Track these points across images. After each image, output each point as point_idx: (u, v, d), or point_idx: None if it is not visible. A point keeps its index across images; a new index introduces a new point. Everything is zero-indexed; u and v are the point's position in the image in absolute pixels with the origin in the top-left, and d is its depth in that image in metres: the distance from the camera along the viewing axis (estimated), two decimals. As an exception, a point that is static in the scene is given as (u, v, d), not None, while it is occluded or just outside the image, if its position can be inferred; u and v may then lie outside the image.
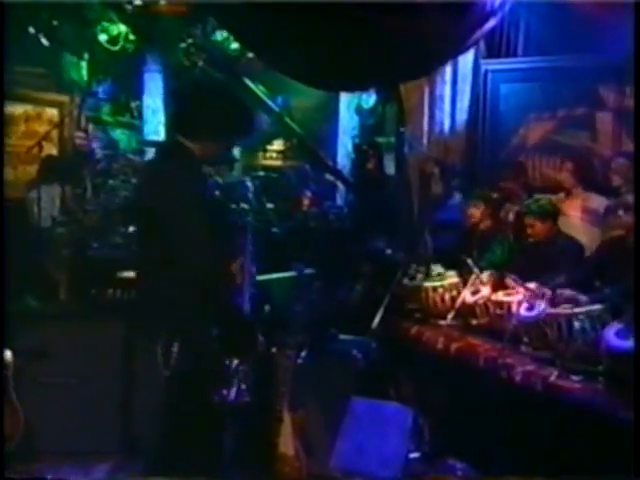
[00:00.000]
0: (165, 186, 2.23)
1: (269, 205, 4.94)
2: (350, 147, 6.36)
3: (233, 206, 4.31)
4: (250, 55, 5.37)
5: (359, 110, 6.49)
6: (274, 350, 2.86)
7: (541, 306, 2.94)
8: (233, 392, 2.23)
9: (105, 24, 5.39)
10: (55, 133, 5.27)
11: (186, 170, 2.28)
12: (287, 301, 3.18)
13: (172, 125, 2.47)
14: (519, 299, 3.13)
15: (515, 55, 4.95)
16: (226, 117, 2.32)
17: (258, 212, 4.73)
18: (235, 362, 2.26)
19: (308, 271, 3.40)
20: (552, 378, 2.62)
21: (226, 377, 2.26)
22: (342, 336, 3.40)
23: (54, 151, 5.23)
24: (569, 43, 4.39)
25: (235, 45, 5.66)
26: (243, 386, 2.24)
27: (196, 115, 2.31)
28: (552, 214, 3.62)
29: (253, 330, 2.36)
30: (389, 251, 4.06)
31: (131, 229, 3.77)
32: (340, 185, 6.19)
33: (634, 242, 3.18)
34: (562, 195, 4.12)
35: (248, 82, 5.39)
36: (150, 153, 6.10)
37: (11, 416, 2.80)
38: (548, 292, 3.12)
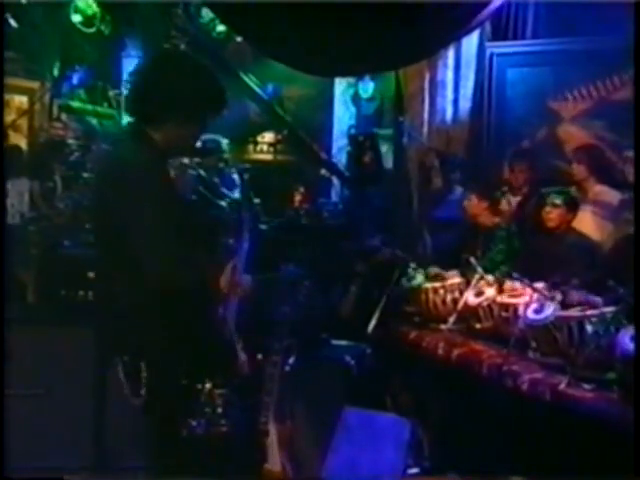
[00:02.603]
0: (124, 182, 2.06)
1: (256, 200, 4.91)
2: (345, 139, 6.33)
3: (222, 202, 4.30)
4: (238, 39, 5.34)
5: (355, 99, 6.47)
6: (259, 356, 2.83)
7: (550, 308, 2.92)
8: (203, 422, 2.14)
9: (79, 4, 5.34)
10: (24, 122, 5.21)
11: (149, 162, 2.11)
12: (274, 303, 3.14)
13: (128, 110, 2.30)
14: (526, 301, 3.10)
15: (523, 37, 4.93)
16: (192, 95, 2.14)
17: (245, 207, 4.72)
18: (208, 386, 2.14)
19: (298, 271, 3.36)
20: (562, 386, 2.59)
21: (196, 405, 2.14)
22: (334, 341, 3.38)
23: (23, 142, 5.18)
24: (581, 24, 4.37)
25: (221, 28, 5.61)
26: (219, 410, 2.15)
27: (155, 95, 2.13)
28: (574, 205, 3.64)
29: (233, 350, 2.20)
30: (386, 249, 4.04)
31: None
32: (335, 179, 6.17)
33: (634, 242, 3.19)
34: (573, 188, 4.10)
35: (236, 69, 5.35)
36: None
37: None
38: (558, 293, 3.10)
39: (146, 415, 2.05)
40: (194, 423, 2.13)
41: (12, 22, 4.99)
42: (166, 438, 2.11)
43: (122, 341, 2.07)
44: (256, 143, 7.62)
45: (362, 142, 5.17)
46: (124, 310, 2.06)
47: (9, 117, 5.02)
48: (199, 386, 2.15)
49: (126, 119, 2.33)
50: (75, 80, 5.54)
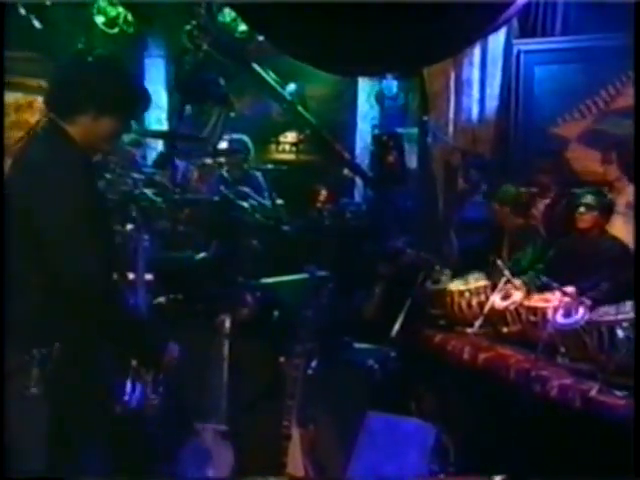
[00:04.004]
0: (36, 179, 2.01)
1: (279, 201, 4.92)
2: (369, 138, 6.31)
3: (244, 203, 4.31)
4: (260, 38, 5.35)
5: (379, 98, 6.44)
6: (282, 359, 2.83)
7: (580, 312, 2.88)
8: (135, 396, 2.17)
9: (102, 5, 5.40)
10: (48, 123, 5.29)
11: (65, 155, 2.05)
12: (297, 306, 3.14)
13: (45, 103, 2.24)
14: (555, 305, 3.07)
15: (552, 34, 4.86)
16: (106, 91, 2.10)
17: (268, 208, 4.74)
18: (133, 363, 2.16)
19: (321, 273, 3.35)
20: (592, 393, 2.56)
21: (123, 383, 2.17)
22: (357, 344, 3.36)
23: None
24: (611, 21, 4.29)
25: (243, 27, 5.63)
26: (147, 386, 2.18)
27: (70, 88, 2.09)
28: (609, 208, 3.58)
29: (145, 331, 2.19)
30: (410, 251, 4.01)
31: (129, 227, 3.74)
32: (358, 180, 6.15)
33: (634, 242, 3.12)
34: (605, 189, 4.03)
35: (257, 68, 5.36)
36: (151, 145, 6.14)
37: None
38: (588, 297, 3.05)
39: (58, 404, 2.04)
40: (126, 398, 2.14)
41: (36, 23, 5.07)
42: (100, 419, 2.13)
43: (37, 334, 2.03)
44: (278, 143, 7.66)
45: (386, 142, 5.15)
46: (38, 305, 2.03)
47: (33, 118, 5.09)
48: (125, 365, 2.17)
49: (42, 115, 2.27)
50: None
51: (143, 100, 2.27)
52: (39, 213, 1.99)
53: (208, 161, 5.08)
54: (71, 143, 2.09)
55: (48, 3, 5.03)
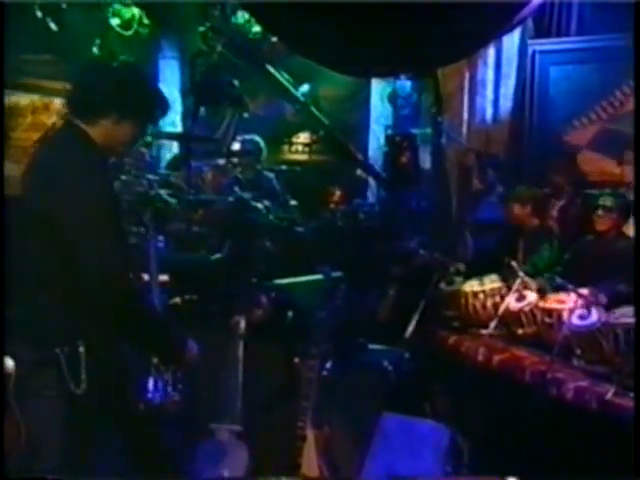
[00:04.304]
0: (57, 180, 2.04)
1: (293, 202, 4.93)
2: (382, 139, 6.30)
3: (258, 204, 4.33)
4: (273, 39, 5.37)
5: (393, 98, 6.43)
6: (296, 360, 2.84)
7: (596, 314, 2.87)
8: (158, 394, 2.20)
9: (117, 7, 5.44)
10: (63, 125, 5.34)
11: (85, 156, 2.10)
12: (311, 307, 3.15)
13: (66, 106, 2.27)
14: (571, 306, 3.05)
15: (567, 34, 4.84)
16: (127, 96, 2.15)
17: (281, 210, 4.75)
18: (154, 362, 2.21)
19: (335, 274, 3.36)
20: (609, 395, 2.54)
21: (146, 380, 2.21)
22: (372, 346, 3.36)
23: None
24: (626, 20, 4.27)
25: (257, 28, 5.65)
26: (169, 384, 2.20)
27: (93, 92, 2.13)
28: (627, 210, 3.56)
29: (166, 329, 2.23)
30: (424, 252, 4.00)
31: (141, 230, 3.76)
32: (371, 180, 6.15)
33: (634, 242, 3.09)
34: (622, 190, 4.01)
35: (271, 69, 5.38)
36: (166, 146, 6.18)
37: (12, 429, 2.81)
38: (604, 299, 3.03)
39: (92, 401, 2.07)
40: (149, 395, 2.16)
41: (52, 25, 5.12)
42: (123, 415, 2.15)
43: (59, 333, 2.05)
44: (292, 144, 7.67)
45: (399, 142, 5.14)
46: (59, 304, 2.06)
47: (49, 120, 5.13)
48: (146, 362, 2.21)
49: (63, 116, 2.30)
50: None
51: (163, 106, 2.30)
52: (62, 213, 2.01)
53: (222, 162, 5.10)
54: (92, 145, 2.12)
55: (64, 6, 5.08)
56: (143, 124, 2.26)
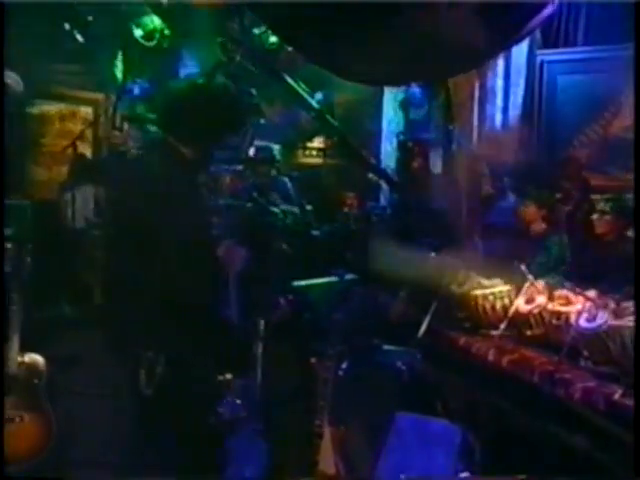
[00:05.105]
0: (155, 196, 2.11)
1: (308, 207, 4.93)
2: (395, 144, 6.29)
3: (275, 209, 4.33)
4: (289, 49, 5.37)
5: (405, 105, 6.42)
6: (313, 361, 2.83)
7: (603, 317, 2.85)
8: (228, 409, 2.20)
9: (141, 19, 5.47)
10: (89, 132, 5.38)
11: (180, 175, 2.19)
12: (327, 308, 3.15)
13: (161, 125, 2.33)
14: (578, 309, 3.03)
15: (574, 44, 4.81)
16: (220, 122, 2.26)
17: (297, 214, 4.75)
18: (228, 377, 2.20)
19: (350, 276, 3.36)
20: (617, 396, 2.52)
21: (218, 394, 2.22)
22: (385, 346, 3.35)
23: (88, 151, 5.35)
24: (633, 30, 4.23)
25: (274, 39, 5.67)
26: (238, 401, 2.20)
27: (191, 119, 2.22)
28: (626, 213, 3.55)
29: (244, 342, 2.27)
30: (435, 255, 3.99)
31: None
32: (384, 185, 6.14)
33: (634, 242, 3.06)
34: (629, 196, 3.98)
35: (287, 78, 5.39)
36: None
37: (43, 426, 2.84)
38: (611, 302, 3.01)
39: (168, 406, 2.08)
40: (220, 410, 2.17)
41: (79, 37, 5.16)
42: (194, 426, 2.16)
43: (147, 338, 2.09)
44: (306, 149, 7.67)
45: (411, 148, 5.15)
46: (149, 311, 2.09)
47: (76, 127, 5.19)
48: (220, 377, 2.22)
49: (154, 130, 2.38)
50: (136, 91, 5.68)
51: (240, 128, 2.40)
52: (158, 226, 2.06)
53: (239, 168, 5.11)
54: (183, 161, 2.21)
55: (90, 18, 5.13)
56: (223, 144, 2.36)
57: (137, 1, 5.40)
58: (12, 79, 2.96)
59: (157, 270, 2.06)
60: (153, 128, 6.00)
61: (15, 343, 2.85)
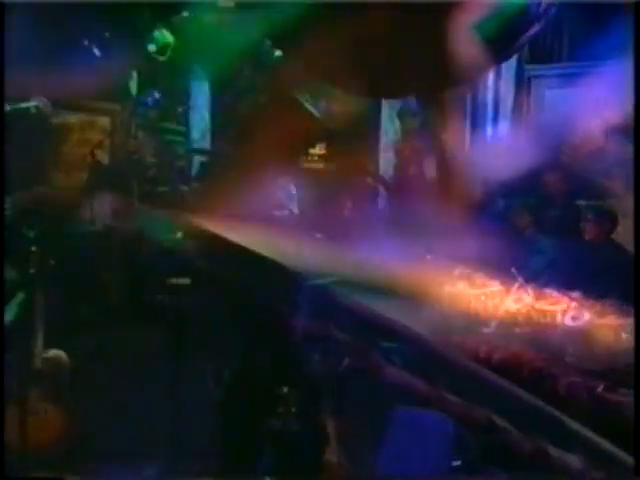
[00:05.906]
0: None
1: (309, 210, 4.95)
2: (392, 151, 6.31)
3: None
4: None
5: (401, 114, 6.44)
6: (317, 357, 2.85)
7: (587, 316, 2.88)
8: (279, 421, 2.20)
9: (154, 34, 5.48)
10: (107, 141, 5.40)
11: None
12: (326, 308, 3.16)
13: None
14: (564, 308, 3.06)
15: (560, 60, 4.83)
16: None
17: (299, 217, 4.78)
18: (285, 390, 2.21)
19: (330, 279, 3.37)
20: (599, 390, 2.55)
21: (274, 406, 2.20)
22: (384, 344, 3.36)
23: (106, 159, 5.36)
24: (617, 47, 4.25)
25: (278, 53, 5.67)
26: (293, 409, 2.21)
27: None
28: (610, 218, 3.58)
29: (305, 357, 2.28)
30: (430, 257, 4.01)
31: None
32: (381, 190, 6.15)
33: (634, 242, 3.09)
34: (613, 201, 4.01)
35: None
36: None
37: (66, 419, 2.87)
38: (595, 302, 3.04)
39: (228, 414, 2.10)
40: (273, 421, 2.17)
41: (96, 52, 5.18)
42: (247, 433, 2.16)
43: (215, 349, 2.11)
44: (307, 154, 7.68)
45: (407, 155, 5.16)
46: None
47: (95, 136, 5.20)
48: (278, 389, 2.19)
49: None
50: (150, 102, 5.70)
51: None
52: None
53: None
54: None
55: (107, 34, 5.14)
56: None
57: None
58: (43, 103, 3.02)
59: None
60: (166, 137, 6.06)
61: (39, 340, 2.88)
